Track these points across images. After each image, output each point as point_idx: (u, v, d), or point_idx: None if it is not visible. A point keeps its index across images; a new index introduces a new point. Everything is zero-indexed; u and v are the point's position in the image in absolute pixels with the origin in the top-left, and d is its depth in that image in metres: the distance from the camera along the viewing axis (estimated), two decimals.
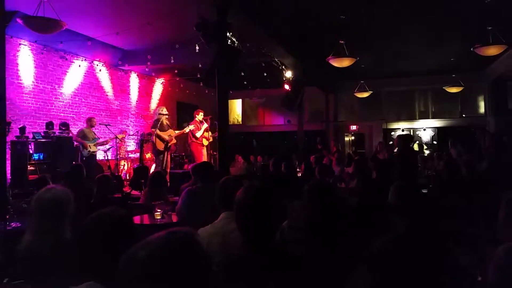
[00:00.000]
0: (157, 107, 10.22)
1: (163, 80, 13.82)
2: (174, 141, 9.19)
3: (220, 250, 2.25)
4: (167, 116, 9.22)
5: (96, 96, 11.18)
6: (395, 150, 8.18)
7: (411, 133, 16.14)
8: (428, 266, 2.04)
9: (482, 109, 16.18)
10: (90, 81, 10.98)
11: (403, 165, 6.04)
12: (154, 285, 0.91)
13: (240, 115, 18.63)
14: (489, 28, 8.83)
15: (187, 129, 9.25)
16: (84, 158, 8.76)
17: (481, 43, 8.89)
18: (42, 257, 2.20)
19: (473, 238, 2.49)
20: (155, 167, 9.19)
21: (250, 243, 1.79)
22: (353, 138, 17.61)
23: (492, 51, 8.97)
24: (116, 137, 9.77)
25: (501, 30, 8.79)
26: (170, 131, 9.06)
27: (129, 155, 11.14)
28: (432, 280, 2.04)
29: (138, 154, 10.51)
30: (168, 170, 8.86)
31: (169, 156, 9.24)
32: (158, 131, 8.83)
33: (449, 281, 2.06)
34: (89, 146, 8.88)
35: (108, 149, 9.93)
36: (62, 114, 9.99)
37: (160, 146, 8.91)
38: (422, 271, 2.04)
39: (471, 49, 9.06)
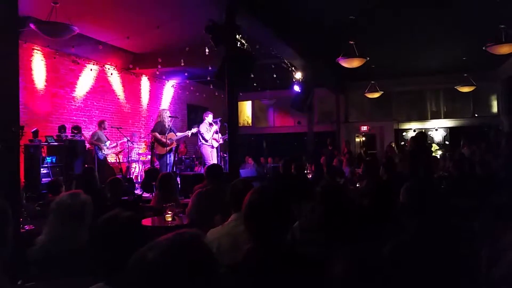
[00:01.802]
0: (160, 110, 10.21)
1: (174, 83, 13.90)
2: (174, 144, 9.12)
3: (231, 251, 2.25)
4: (169, 119, 9.16)
5: (108, 100, 11.30)
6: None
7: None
8: (439, 267, 2.02)
9: (495, 109, 15.95)
10: (102, 84, 11.10)
11: (414, 165, 5.98)
12: (162, 285, 0.92)
13: (250, 117, 18.64)
14: (502, 26, 8.71)
15: (189, 132, 9.30)
16: (99, 161, 8.88)
17: (494, 41, 8.78)
18: (55, 260, 2.22)
19: (485, 239, 2.45)
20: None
21: (260, 245, 1.79)
22: (364, 138, 17.51)
23: (505, 49, 8.85)
24: (128, 140, 9.85)
25: None
26: (171, 134, 8.96)
27: (140, 158, 11.22)
28: (444, 281, 2.02)
29: (149, 157, 10.58)
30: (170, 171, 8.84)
31: (172, 158, 9.15)
32: (156, 135, 8.80)
33: (461, 282, 2.03)
34: (104, 148, 9.01)
35: (120, 152, 10.01)
36: (74, 118, 10.12)
37: (161, 150, 8.83)
38: (434, 272, 2.02)
39: (483, 48, 8.95)
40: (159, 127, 8.87)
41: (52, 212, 2.36)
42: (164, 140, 8.73)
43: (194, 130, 9.20)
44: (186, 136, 9.86)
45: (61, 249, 2.24)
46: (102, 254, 1.60)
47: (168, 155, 8.95)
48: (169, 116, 9.14)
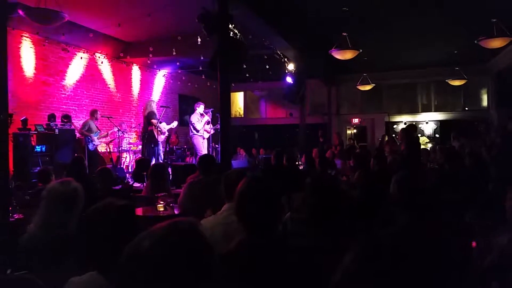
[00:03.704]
0: (147, 101, 10.27)
1: (165, 73, 13.79)
2: (166, 134, 9.34)
3: (223, 240, 2.25)
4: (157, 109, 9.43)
5: (98, 89, 11.17)
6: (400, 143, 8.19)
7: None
8: (429, 259, 2.03)
9: (485, 102, 16.11)
10: (92, 73, 10.96)
11: (407, 157, 6.03)
12: (158, 275, 0.91)
13: (242, 108, 18.60)
14: (494, 20, 8.76)
15: (173, 125, 9.47)
16: (89, 151, 8.81)
17: (485, 35, 8.82)
18: (45, 249, 2.21)
19: (477, 231, 2.49)
20: (155, 160, 9.24)
21: (251, 236, 1.79)
22: (355, 131, 17.59)
23: (496, 43, 8.92)
24: (119, 130, 9.78)
25: (506, 23, 8.72)
26: (163, 124, 9.21)
27: (131, 148, 11.15)
28: (433, 274, 2.03)
29: (140, 147, 10.52)
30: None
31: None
32: (157, 122, 8.99)
33: (451, 275, 2.05)
34: (95, 139, 8.93)
35: (110, 142, 9.93)
36: (64, 107, 9.99)
37: (160, 137, 9.01)
38: (423, 264, 2.04)
39: (475, 41, 9.00)
40: (153, 115, 8.97)
41: (43, 199, 2.34)
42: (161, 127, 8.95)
43: (175, 123, 9.42)
44: (177, 127, 10.06)
45: (52, 236, 2.23)
46: (95, 244, 1.59)
47: (157, 148, 9.06)
48: (161, 106, 9.17)
